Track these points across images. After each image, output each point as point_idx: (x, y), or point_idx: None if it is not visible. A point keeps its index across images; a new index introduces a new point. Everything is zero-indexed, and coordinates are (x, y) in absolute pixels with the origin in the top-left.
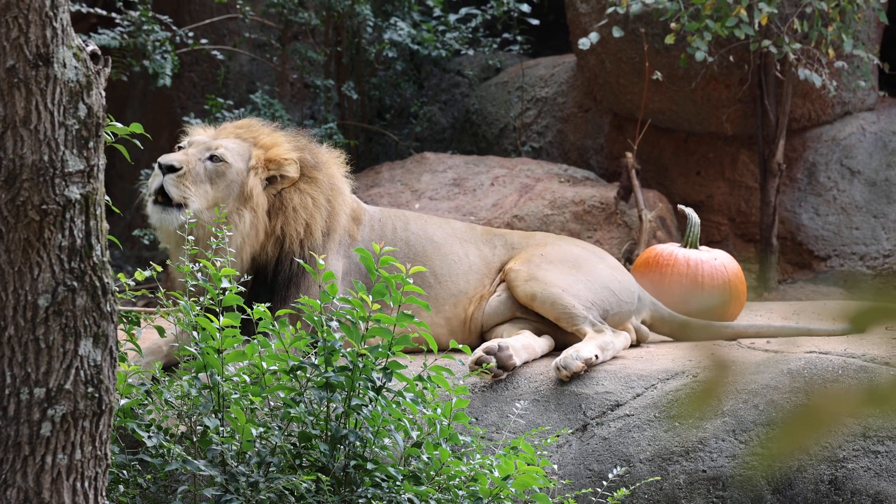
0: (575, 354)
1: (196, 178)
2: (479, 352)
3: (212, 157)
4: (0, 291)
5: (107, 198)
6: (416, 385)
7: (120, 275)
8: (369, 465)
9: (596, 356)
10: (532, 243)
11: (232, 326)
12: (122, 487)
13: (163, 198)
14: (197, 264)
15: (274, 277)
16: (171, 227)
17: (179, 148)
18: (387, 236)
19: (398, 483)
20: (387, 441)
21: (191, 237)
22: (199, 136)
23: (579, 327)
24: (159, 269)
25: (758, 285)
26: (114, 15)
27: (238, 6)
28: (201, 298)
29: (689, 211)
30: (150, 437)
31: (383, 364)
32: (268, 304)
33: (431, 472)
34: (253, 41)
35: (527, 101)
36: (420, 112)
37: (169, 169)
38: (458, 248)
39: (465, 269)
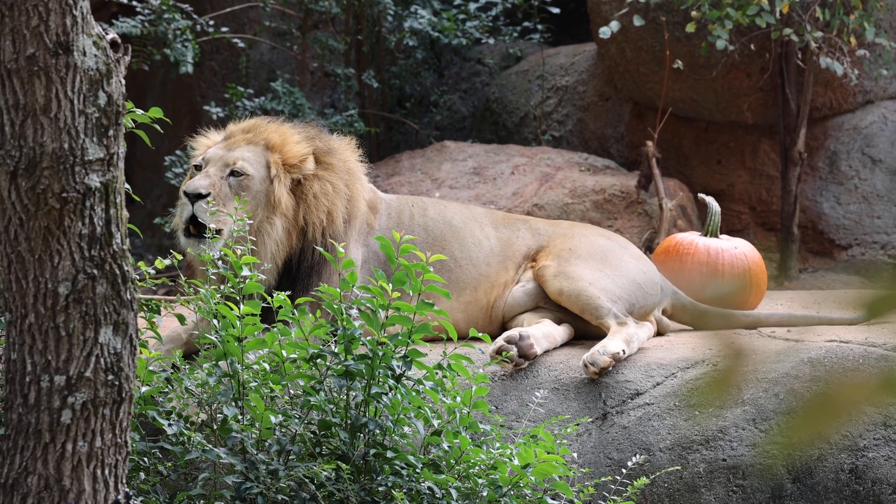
0: (602, 350)
1: (225, 199)
2: (500, 341)
3: (233, 173)
4: (20, 279)
5: (127, 186)
6: (436, 373)
7: (140, 263)
8: (389, 454)
9: (623, 350)
10: (559, 232)
11: (252, 314)
12: (142, 475)
13: (195, 228)
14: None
15: (298, 267)
16: (211, 257)
17: (197, 168)
18: (404, 223)
19: (418, 471)
20: (406, 429)
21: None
22: (211, 151)
23: (603, 320)
24: (180, 256)
25: (778, 274)
26: (134, 3)
27: None
28: (222, 287)
29: (710, 200)
30: (170, 424)
31: (403, 352)
32: (288, 293)
33: (451, 461)
34: (273, 30)
35: (547, 89)
36: (440, 101)
37: (197, 196)
38: (477, 232)
39: (486, 252)
